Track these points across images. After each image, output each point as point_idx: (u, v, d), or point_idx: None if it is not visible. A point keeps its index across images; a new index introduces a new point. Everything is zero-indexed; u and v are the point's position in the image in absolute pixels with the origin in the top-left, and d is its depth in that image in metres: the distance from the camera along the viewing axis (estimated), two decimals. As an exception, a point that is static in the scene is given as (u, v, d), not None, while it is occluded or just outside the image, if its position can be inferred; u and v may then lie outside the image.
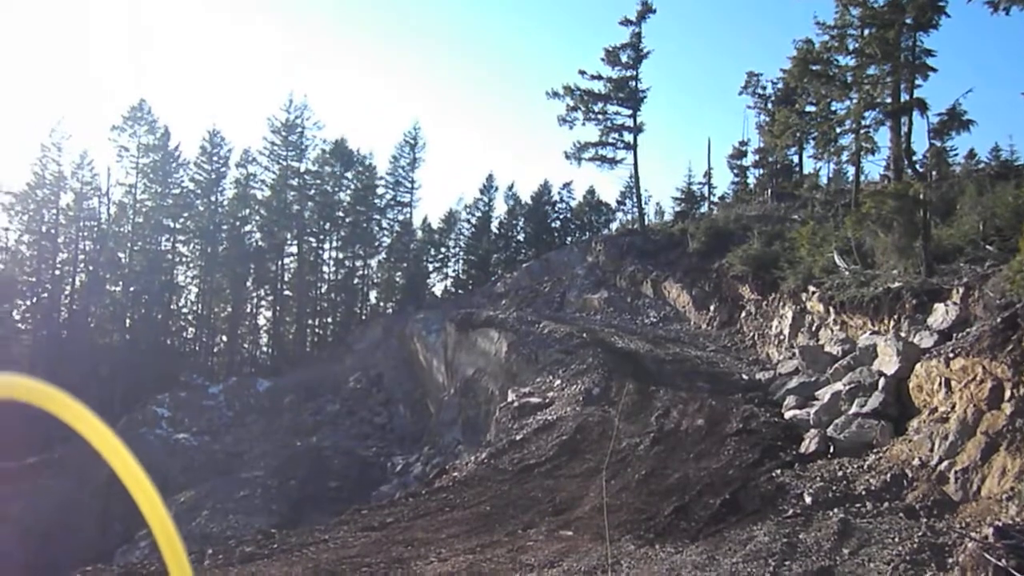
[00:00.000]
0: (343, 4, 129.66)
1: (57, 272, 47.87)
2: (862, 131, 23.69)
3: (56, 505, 29.15)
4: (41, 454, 32.23)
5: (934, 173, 23.46)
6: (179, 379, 41.48)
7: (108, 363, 42.19)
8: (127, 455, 1.13)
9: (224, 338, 52.02)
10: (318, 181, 50.89)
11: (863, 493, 11.44)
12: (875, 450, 12.77)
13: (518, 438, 17.31)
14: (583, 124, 39.32)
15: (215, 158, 50.16)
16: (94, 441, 1.13)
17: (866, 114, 23.11)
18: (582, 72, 38.92)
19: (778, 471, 12.92)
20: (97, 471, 31.37)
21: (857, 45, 23.32)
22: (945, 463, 11.10)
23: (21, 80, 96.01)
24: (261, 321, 53.85)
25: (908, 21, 20.11)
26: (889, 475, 11.67)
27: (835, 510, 11.02)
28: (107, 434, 1.11)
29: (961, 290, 14.79)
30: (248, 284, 51.12)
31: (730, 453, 13.99)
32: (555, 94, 38.90)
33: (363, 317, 50.15)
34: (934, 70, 20.46)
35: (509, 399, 21.46)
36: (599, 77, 38.83)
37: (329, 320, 52.31)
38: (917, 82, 20.72)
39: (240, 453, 32.46)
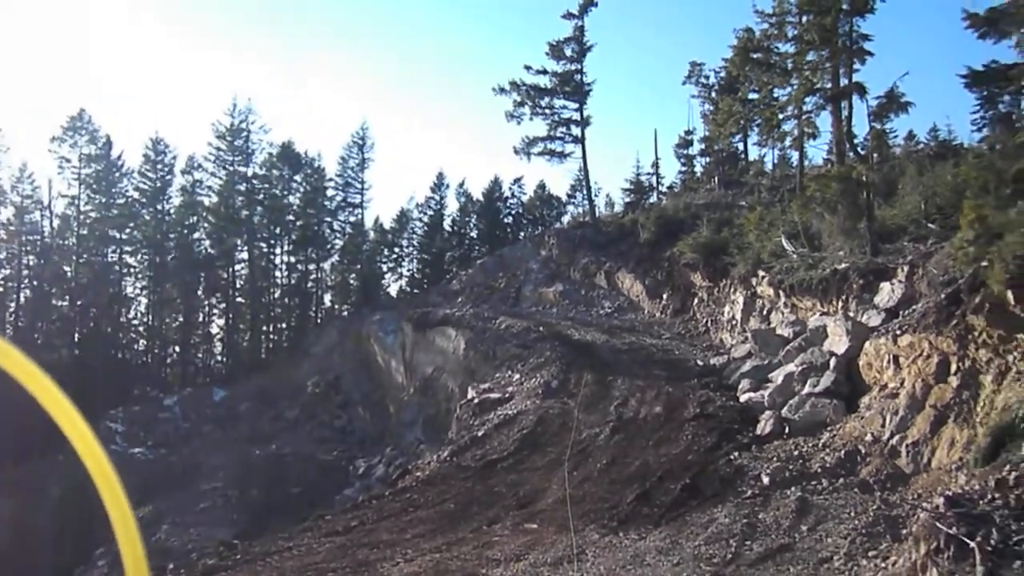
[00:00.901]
0: (285, 6, 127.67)
1: (1, 289, 46.34)
2: (804, 116, 24.20)
3: (10, 525, 28.31)
4: (-9, 475, 31.27)
5: (875, 155, 24.01)
6: (132, 393, 40.52)
7: (57, 380, 40.64)
8: (81, 424, 1.10)
9: (177, 349, 50.93)
10: (266, 185, 50.04)
11: (819, 471, 11.70)
12: (829, 428, 13.07)
13: (479, 434, 17.32)
14: (531, 119, 39.38)
15: (159, 166, 48.97)
16: (47, 405, 1.09)
17: (807, 99, 23.61)
18: (527, 67, 39.00)
19: (736, 454, 13.14)
20: (51, 490, 30.61)
21: (796, 32, 23.81)
22: (896, 437, 11.41)
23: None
24: (214, 329, 52.81)
25: (845, 7, 20.54)
26: (843, 452, 11.95)
27: (792, 489, 11.25)
28: (60, 400, 1.08)
29: (906, 268, 15.19)
30: (199, 292, 50.07)
31: (688, 438, 14.18)
32: (502, 90, 38.90)
33: (318, 321, 49.54)
34: (871, 54, 20.94)
35: (469, 396, 21.44)
36: (544, 72, 38.93)
37: (284, 325, 51.54)
38: (855, 66, 21.18)
39: (198, 464, 31.83)
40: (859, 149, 22.68)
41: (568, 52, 38.80)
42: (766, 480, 11.71)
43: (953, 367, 11.26)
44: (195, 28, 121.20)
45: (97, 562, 24.23)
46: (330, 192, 51.30)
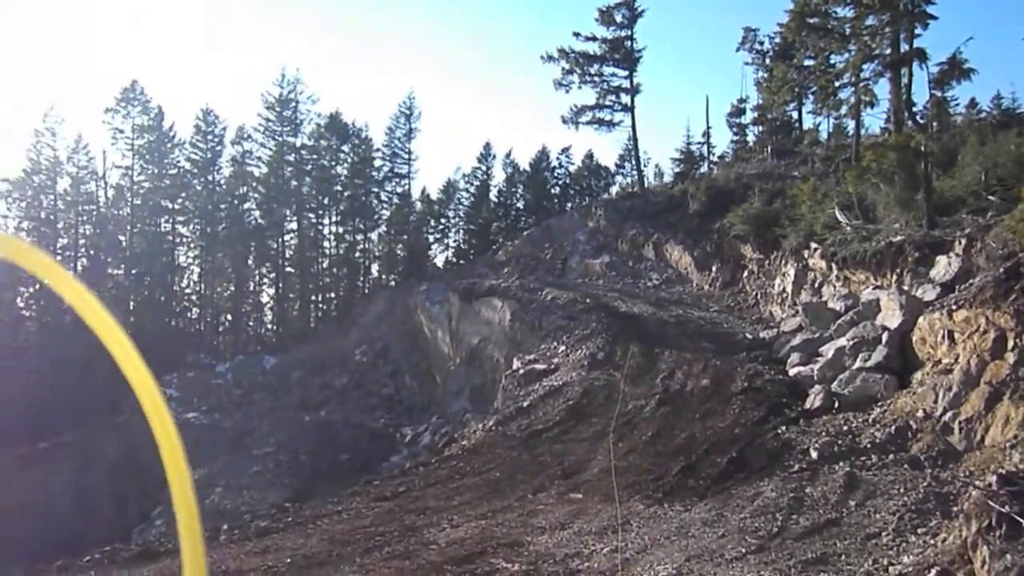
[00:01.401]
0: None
1: (58, 257, 47.78)
2: (861, 84, 23.46)
3: (70, 488, 29.52)
4: (51, 439, 32.58)
5: (935, 124, 23.30)
6: (186, 359, 41.63)
7: (114, 346, 42.32)
8: (151, 382, 1.15)
9: (229, 317, 52.13)
10: (315, 156, 50.56)
11: (868, 446, 11.54)
12: (879, 404, 12.85)
13: (525, 404, 17.45)
14: (579, 87, 39.01)
15: (210, 137, 49.78)
16: (122, 362, 1.14)
17: (865, 66, 22.86)
18: (576, 34, 38.54)
19: (783, 428, 13.02)
20: (108, 454, 31.83)
21: (855, -5, 22.99)
22: (949, 414, 11.17)
23: (12, 65, 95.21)
24: (264, 299, 53.89)
25: (906, -31, 19.81)
26: (894, 428, 11.76)
27: (841, 464, 11.12)
28: (134, 357, 1.13)
29: (963, 242, 14.76)
30: (250, 262, 51.02)
31: (736, 412, 14.09)
32: (550, 58, 38.55)
33: (366, 291, 50.13)
34: (934, 18, 20.19)
35: (515, 366, 21.57)
36: (594, 38, 38.41)
37: (332, 295, 52.29)
38: (917, 31, 20.45)
39: (250, 430, 32.71)
40: (918, 118, 21.98)
41: (618, 18, 38.20)
42: (814, 454, 11.59)
43: (1010, 343, 10.96)
44: (244, 5, 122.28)
45: (155, 521, 25.16)
46: (377, 163, 51.67)
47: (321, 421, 31.80)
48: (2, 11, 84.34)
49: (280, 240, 50.90)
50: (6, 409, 31.56)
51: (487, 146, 52.70)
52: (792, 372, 15.68)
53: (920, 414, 11.72)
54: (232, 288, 51.18)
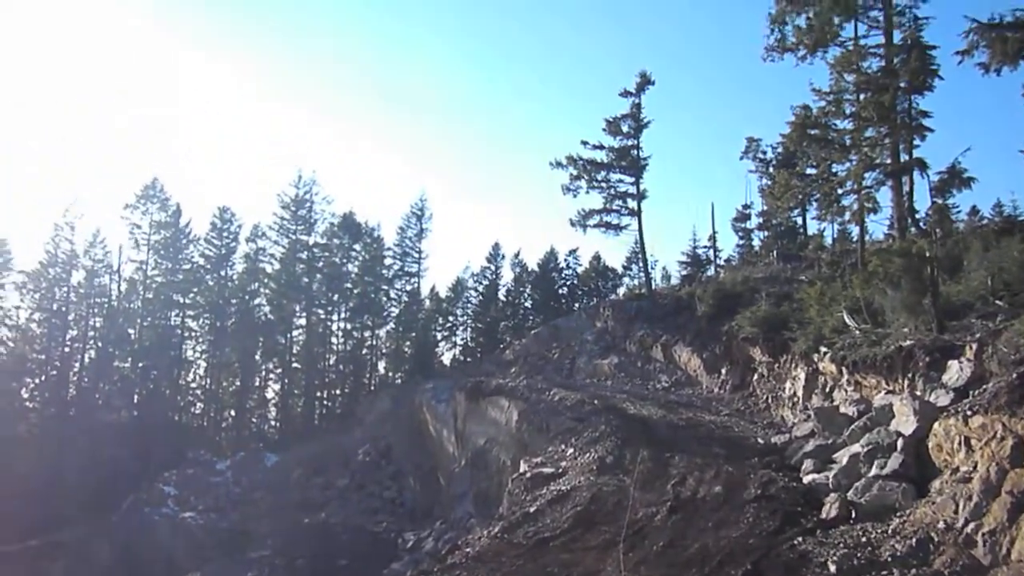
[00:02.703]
0: (349, 83, 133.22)
1: (67, 349, 47.97)
2: (864, 191, 23.92)
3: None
4: (44, 536, 31.74)
5: (938, 230, 23.54)
6: (187, 455, 41.06)
7: (115, 440, 41.86)
8: None
9: (232, 413, 51.72)
10: (327, 253, 51.38)
11: (889, 560, 11.11)
12: (898, 514, 12.45)
13: (532, 510, 16.97)
14: (587, 192, 39.81)
15: (225, 234, 50.86)
16: None
17: (867, 175, 23.39)
18: (584, 142, 39.68)
19: (800, 538, 12.57)
20: (101, 554, 30.93)
21: (854, 109, 23.76)
22: (971, 525, 10.80)
23: (36, 161, 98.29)
24: (269, 394, 53.67)
25: (902, 84, 20.53)
26: (914, 539, 11.35)
27: (861, 578, 10.69)
28: None
29: (974, 346, 14.65)
30: (257, 357, 51.09)
31: (750, 521, 13.65)
32: (558, 164, 39.53)
33: (372, 388, 49.88)
34: (931, 130, 20.82)
35: (521, 470, 21.10)
36: (601, 147, 39.52)
37: (337, 392, 52.03)
38: (915, 142, 21.03)
39: (247, 531, 31.88)
40: (921, 224, 22.27)
41: (625, 128, 39.41)
42: (833, 568, 11.16)
43: (1030, 451, 10.72)
44: (263, 107, 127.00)
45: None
46: (388, 261, 52.52)
47: (321, 523, 31.01)
48: (29, 108, 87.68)
49: (288, 336, 51.08)
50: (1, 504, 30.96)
51: (496, 246, 53.54)
52: (806, 479, 15.29)
53: (941, 525, 11.34)
54: (238, 383, 51.01)
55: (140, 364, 48.24)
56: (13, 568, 28.83)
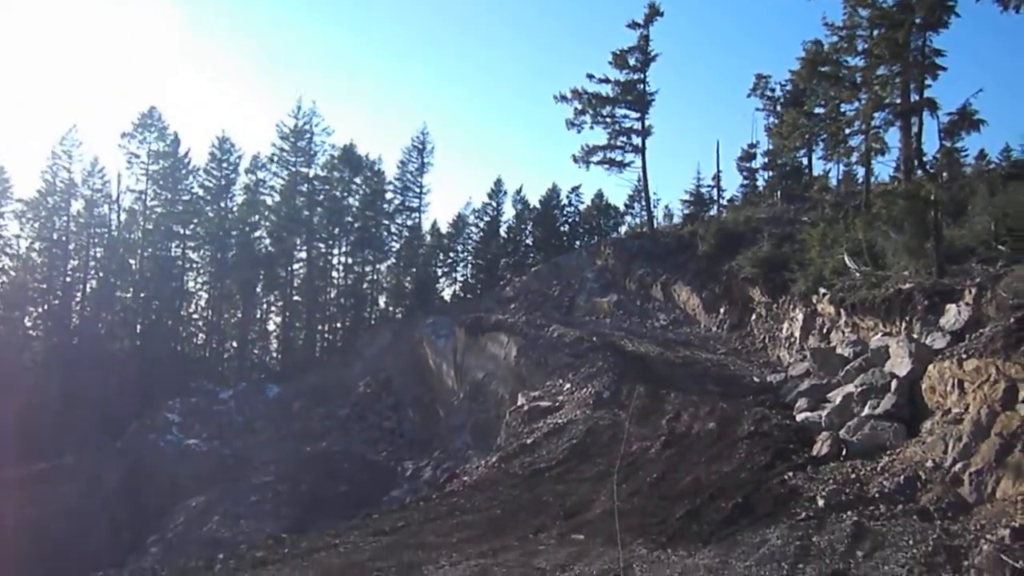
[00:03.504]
0: (351, 13, 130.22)
1: (68, 279, 48.09)
2: (872, 132, 23.56)
3: (66, 511, 29.25)
4: (51, 460, 32.42)
5: (945, 174, 23.29)
6: (190, 385, 41.59)
7: (119, 370, 42.40)
8: None
9: (234, 344, 52.13)
10: (327, 187, 50.96)
11: (876, 496, 11.35)
12: (888, 452, 12.67)
13: (528, 442, 17.28)
14: (591, 128, 39.26)
15: (224, 164, 50.34)
16: None
17: (875, 115, 22.98)
18: (590, 76, 38.94)
19: (790, 474, 12.83)
20: (107, 478, 31.64)
21: (866, 46, 23.20)
22: (959, 465, 11.00)
23: (32, 88, 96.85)
24: (271, 327, 53.99)
25: (917, 21, 19.99)
26: (902, 477, 11.58)
27: (848, 513, 10.93)
28: None
29: (973, 291, 14.69)
30: (258, 290, 51.21)
31: (742, 456, 13.91)
32: (563, 98, 38.89)
33: (372, 322, 50.14)
34: (944, 69, 20.35)
35: (519, 403, 21.42)
36: (607, 80, 38.80)
37: (338, 325, 52.30)
38: (927, 82, 20.60)
39: (250, 458, 32.47)
40: (928, 167, 21.99)
41: (632, 61, 38.62)
42: (821, 502, 11.41)
43: (1021, 394, 10.85)
44: (263, 36, 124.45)
45: (150, 549, 24.87)
46: (389, 195, 52.13)
47: (322, 452, 31.55)
48: (25, 34, 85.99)
49: (289, 269, 51.09)
50: (7, 429, 31.48)
51: (498, 182, 53.15)
52: (800, 417, 15.52)
53: (930, 464, 11.55)
54: (239, 315, 51.27)
55: (142, 295, 48.39)
56: (22, 490, 29.52)
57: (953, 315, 14.80)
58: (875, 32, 22.53)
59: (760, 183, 46.81)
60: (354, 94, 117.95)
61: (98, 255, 49.15)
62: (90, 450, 33.63)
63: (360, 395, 37.22)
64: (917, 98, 20.57)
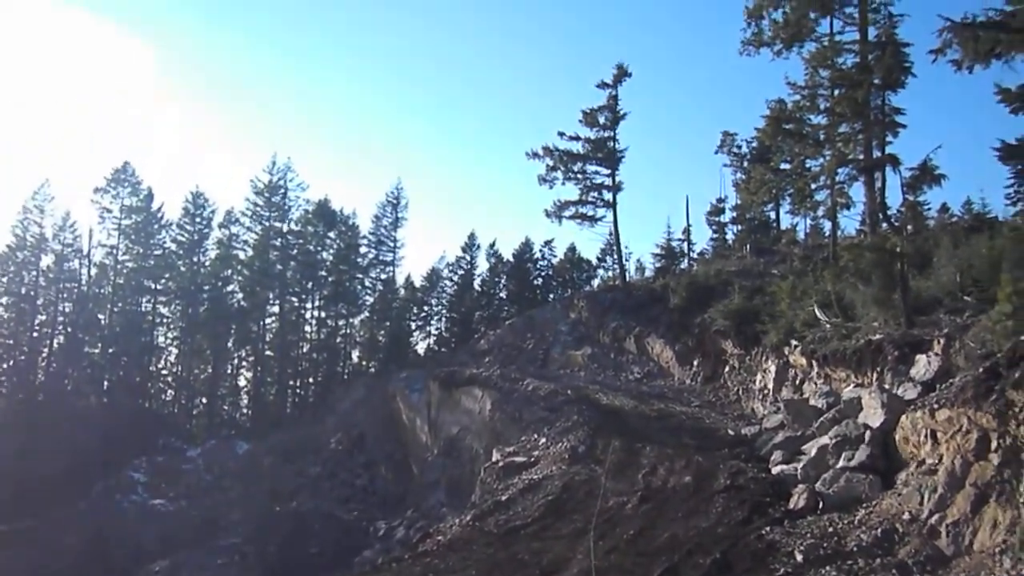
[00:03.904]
0: (327, 68, 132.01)
1: (35, 334, 47.21)
2: (836, 187, 24.15)
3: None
4: (11, 523, 31.28)
5: (909, 226, 23.89)
6: (157, 442, 40.61)
7: (84, 427, 41.29)
8: None
9: (204, 400, 51.21)
10: (301, 241, 50.92)
11: (854, 549, 11.27)
12: (864, 504, 12.63)
13: (503, 499, 17.02)
14: (563, 183, 39.87)
15: (198, 219, 50.22)
16: None
17: (840, 170, 23.59)
18: (561, 133, 39.72)
19: (768, 528, 12.72)
20: (70, 541, 30.54)
21: (828, 104, 23.94)
22: (936, 516, 10.99)
23: (3, 142, 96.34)
24: (242, 382, 53.20)
25: (876, 81, 20.70)
26: (880, 530, 11.52)
27: (827, 568, 10.83)
28: None
29: (942, 341, 14.88)
30: (229, 345, 50.59)
31: (719, 510, 13.79)
32: (535, 154, 39.52)
33: (345, 377, 49.61)
34: (903, 127, 21.00)
35: (494, 459, 21.16)
36: (577, 138, 39.55)
37: (311, 380, 51.67)
38: (888, 138, 21.23)
39: (218, 519, 31.64)
40: (893, 220, 22.53)
41: (601, 120, 39.43)
42: (799, 557, 11.30)
43: (993, 444, 10.89)
44: (239, 93, 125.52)
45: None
46: (363, 249, 52.14)
47: (292, 511, 30.84)
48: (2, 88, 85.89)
49: (261, 323, 50.60)
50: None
51: (472, 236, 53.39)
52: (775, 470, 15.47)
53: (906, 516, 11.53)
54: (209, 370, 50.50)
55: (110, 350, 47.60)
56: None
57: (923, 365, 14.96)
58: (836, 92, 23.27)
59: (729, 237, 47.49)
60: (329, 148, 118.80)
61: (67, 310, 48.42)
62: (52, 512, 32.52)
63: (332, 452, 36.58)
64: (879, 154, 21.16)
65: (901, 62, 20.02)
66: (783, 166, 29.95)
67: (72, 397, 45.56)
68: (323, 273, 51.15)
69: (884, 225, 21.68)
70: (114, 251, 48.63)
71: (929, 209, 34.26)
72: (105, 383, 47.49)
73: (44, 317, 47.86)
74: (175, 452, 39.18)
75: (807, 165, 26.96)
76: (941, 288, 18.46)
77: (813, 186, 25.64)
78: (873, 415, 14.22)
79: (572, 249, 53.12)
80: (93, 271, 49.32)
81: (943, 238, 22.09)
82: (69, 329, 48.09)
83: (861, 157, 22.66)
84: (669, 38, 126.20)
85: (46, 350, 47.55)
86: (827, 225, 29.31)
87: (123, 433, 40.37)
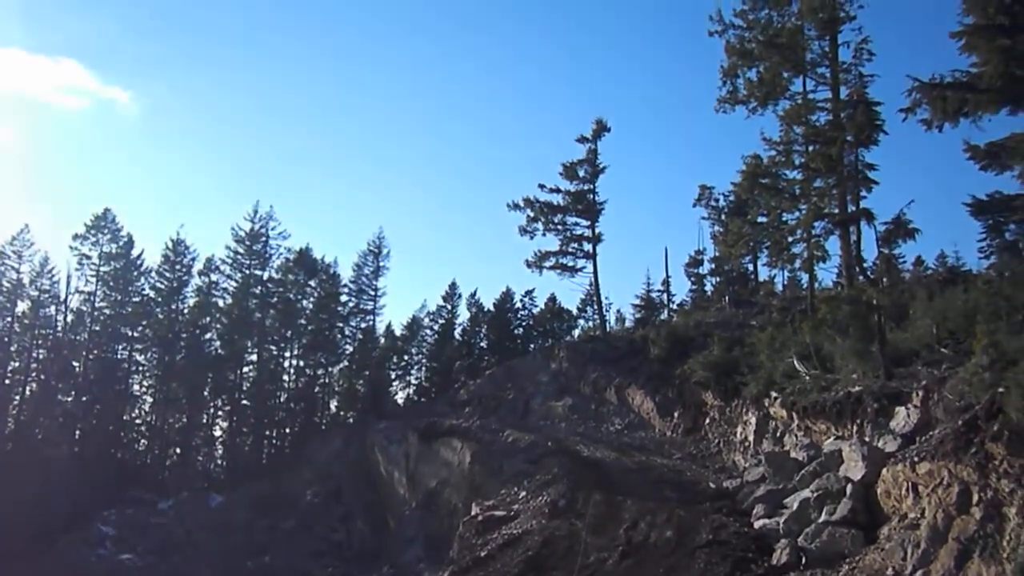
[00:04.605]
0: (310, 116, 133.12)
1: (7, 382, 46.22)
2: (812, 240, 24.52)
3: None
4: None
5: (885, 279, 24.22)
6: (128, 494, 39.55)
7: (54, 477, 40.18)
8: None
9: (178, 450, 50.12)
10: (281, 289, 50.58)
11: (839, 606, 11.14)
12: (847, 560, 12.53)
13: (482, 554, 16.72)
14: (543, 234, 40.28)
15: (178, 267, 49.78)
16: None
17: (815, 224, 24.00)
18: (541, 186, 40.27)
19: (750, 584, 12.56)
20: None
21: (803, 160, 24.49)
22: (920, 572, 10.91)
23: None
24: (217, 432, 52.12)
25: (849, 138, 21.21)
26: (864, 587, 11.42)
27: (811, 625, 10.68)
28: None
29: (921, 393, 14.98)
30: (205, 394, 49.76)
31: (701, 566, 13.62)
32: (516, 206, 39.96)
33: (323, 427, 48.85)
34: (876, 183, 21.45)
35: (473, 512, 20.83)
36: (558, 190, 40.10)
37: (287, 430, 50.77)
38: (862, 193, 21.66)
39: (188, 574, 30.71)
40: (868, 273, 22.86)
41: (581, 173, 40.05)
42: (783, 614, 11.14)
43: (975, 497, 10.91)
44: (219, 139, 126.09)
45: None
46: (343, 298, 51.82)
47: (264, 567, 30.07)
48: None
49: (239, 372, 49.91)
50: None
51: (452, 285, 53.33)
52: (757, 524, 15.34)
53: (890, 572, 11.43)
54: (185, 420, 49.54)
55: (84, 398, 46.60)
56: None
57: (903, 418, 15.02)
58: (810, 148, 23.82)
59: (708, 288, 47.93)
60: (311, 197, 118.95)
61: (41, 357, 47.52)
62: (16, 565, 31.40)
63: (308, 504, 35.84)
64: (854, 208, 21.57)
65: (873, 119, 20.54)
66: (760, 219, 30.41)
67: (42, 446, 44.40)
68: (303, 321, 50.74)
69: (860, 278, 21.99)
70: (92, 298, 47.94)
71: (904, 262, 34.87)
72: (77, 432, 46.33)
73: (17, 364, 46.92)
74: (146, 505, 38.16)
75: (783, 218, 27.41)
76: (918, 340, 18.64)
77: (790, 239, 26.04)
78: (854, 468, 14.20)
79: (553, 299, 53.20)
80: (70, 318, 48.60)
81: (918, 291, 22.40)
82: (42, 376, 47.12)
83: (836, 211, 23.08)
84: (647, 94, 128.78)
85: (18, 398, 46.52)
86: (804, 277, 29.67)
87: (93, 484, 39.31)
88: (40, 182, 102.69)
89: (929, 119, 16.76)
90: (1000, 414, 11.18)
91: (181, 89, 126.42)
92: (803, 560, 13.09)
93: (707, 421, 25.65)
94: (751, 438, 21.40)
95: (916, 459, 12.52)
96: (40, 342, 47.48)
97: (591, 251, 40.01)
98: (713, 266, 46.44)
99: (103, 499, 36.93)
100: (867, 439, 15.15)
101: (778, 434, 20.16)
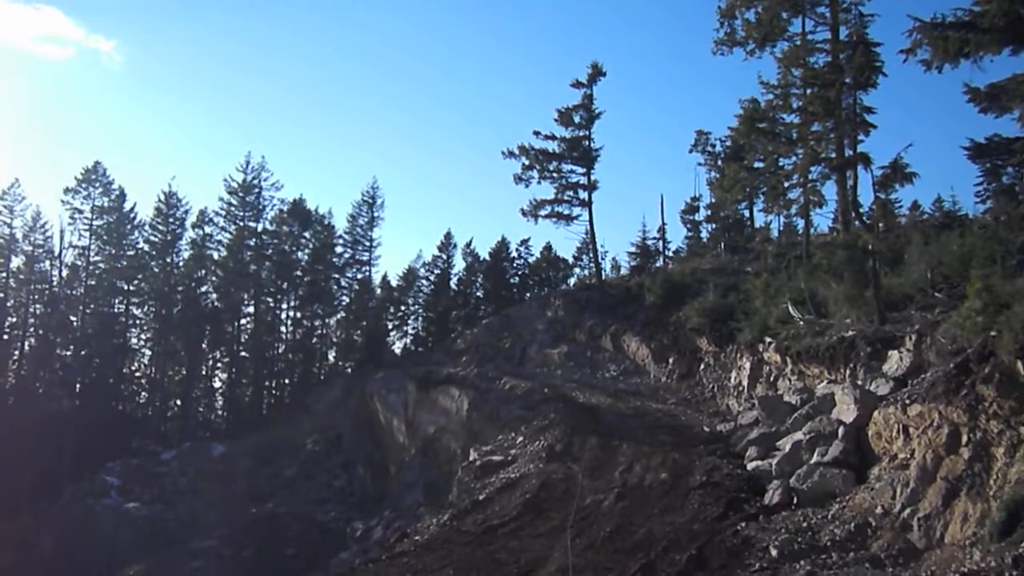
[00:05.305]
0: (302, 65, 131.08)
1: (5, 337, 46.36)
2: (809, 185, 24.47)
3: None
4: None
5: (881, 224, 24.21)
6: (131, 445, 40.05)
7: (56, 431, 40.64)
8: None
9: (178, 402, 50.57)
10: (275, 241, 50.41)
11: (828, 544, 11.40)
12: (838, 499, 12.78)
13: (481, 498, 17.01)
14: (538, 182, 39.87)
15: (171, 219, 49.49)
16: None
17: (812, 169, 23.91)
18: (536, 133, 39.69)
19: (743, 524, 12.83)
20: (42, 545, 30.06)
21: (800, 103, 24.24)
22: (908, 510, 11.14)
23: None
24: (217, 384, 52.54)
25: (847, 81, 20.97)
26: (853, 524, 11.67)
27: (801, 562, 10.95)
28: None
29: (914, 337, 15.08)
30: (203, 346, 49.98)
31: (695, 507, 13.89)
32: (511, 154, 39.49)
33: (322, 377, 49.27)
34: (874, 127, 21.32)
35: (471, 458, 21.14)
36: (553, 137, 39.56)
37: (286, 381, 51.21)
38: (859, 138, 21.53)
39: (193, 522, 31.29)
40: (864, 218, 22.83)
41: (576, 119, 39.48)
42: (774, 552, 11.41)
43: (964, 438, 11.08)
44: (213, 88, 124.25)
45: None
46: (339, 249, 51.72)
47: (268, 513, 30.57)
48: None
49: (236, 324, 50.06)
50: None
51: (448, 235, 53.11)
52: (750, 466, 15.60)
53: (879, 511, 11.67)
54: (184, 372, 49.86)
55: (82, 352, 46.81)
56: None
57: (895, 361, 15.15)
58: (808, 91, 23.55)
59: (704, 235, 47.90)
60: (304, 147, 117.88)
61: (38, 312, 47.58)
62: (23, 516, 31.97)
63: (309, 453, 36.34)
64: (851, 153, 21.47)
65: (872, 61, 20.31)
66: (756, 164, 30.26)
67: (43, 400, 44.79)
68: (298, 273, 50.71)
69: (856, 223, 21.98)
70: (86, 252, 47.84)
71: (900, 207, 34.88)
72: (77, 386, 46.69)
73: (15, 319, 47.02)
74: (149, 455, 38.67)
75: (780, 163, 27.27)
76: (912, 285, 18.71)
77: (786, 184, 25.95)
78: (846, 411, 14.38)
79: (548, 248, 53.12)
80: (64, 272, 48.53)
81: (914, 236, 22.38)
82: (40, 331, 47.27)
83: (833, 156, 22.97)
84: (643, 38, 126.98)
85: (17, 353, 46.74)
86: (800, 223, 29.69)
87: (96, 436, 39.75)
88: (26, 135, 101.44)
89: (929, 60, 16.54)
90: (992, 357, 11.29)
91: (166, 38, 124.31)
92: (795, 500, 13.35)
93: (702, 367, 25.88)
94: (745, 383, 21.61)
95: (907, 401, 12.68)
96: (36, 297, 47.51)
97: (587, 199, 39.78)
98: (709, 212, 46.34)
99: (107, 451, 37.39)
100: (860, 383, 15.31)
101: (772, 379, 20.36)
